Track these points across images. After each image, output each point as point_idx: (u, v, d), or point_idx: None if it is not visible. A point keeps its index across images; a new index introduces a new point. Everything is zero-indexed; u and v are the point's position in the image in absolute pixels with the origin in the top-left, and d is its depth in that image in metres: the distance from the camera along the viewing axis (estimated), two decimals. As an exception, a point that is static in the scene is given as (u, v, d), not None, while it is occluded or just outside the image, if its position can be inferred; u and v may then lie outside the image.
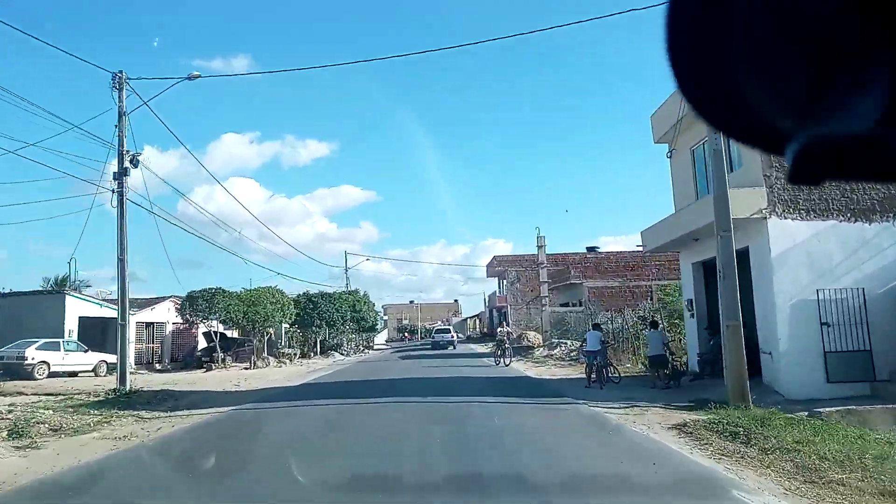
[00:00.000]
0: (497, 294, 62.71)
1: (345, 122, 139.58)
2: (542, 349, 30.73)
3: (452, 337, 57.68)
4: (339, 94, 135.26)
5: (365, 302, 51.36)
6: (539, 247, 33.65)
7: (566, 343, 29.82)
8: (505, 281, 62.75)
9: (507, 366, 26.67)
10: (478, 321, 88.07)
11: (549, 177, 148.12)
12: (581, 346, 18.79)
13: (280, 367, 34.00)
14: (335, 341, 46.65)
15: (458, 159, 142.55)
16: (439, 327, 68.33)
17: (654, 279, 33.85)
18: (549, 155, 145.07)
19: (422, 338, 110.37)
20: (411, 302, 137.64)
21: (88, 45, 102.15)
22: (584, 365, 18.32)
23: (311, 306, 43.33)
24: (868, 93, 0.66)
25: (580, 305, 35.22)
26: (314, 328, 43.36)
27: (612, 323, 30.53)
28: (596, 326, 19.78)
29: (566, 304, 37.88)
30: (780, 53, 0.72)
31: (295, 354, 37.70)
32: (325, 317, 43.29)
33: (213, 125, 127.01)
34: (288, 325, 45.06)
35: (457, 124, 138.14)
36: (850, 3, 0.66)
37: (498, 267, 60.85)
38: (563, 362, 26.43)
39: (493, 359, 26.78)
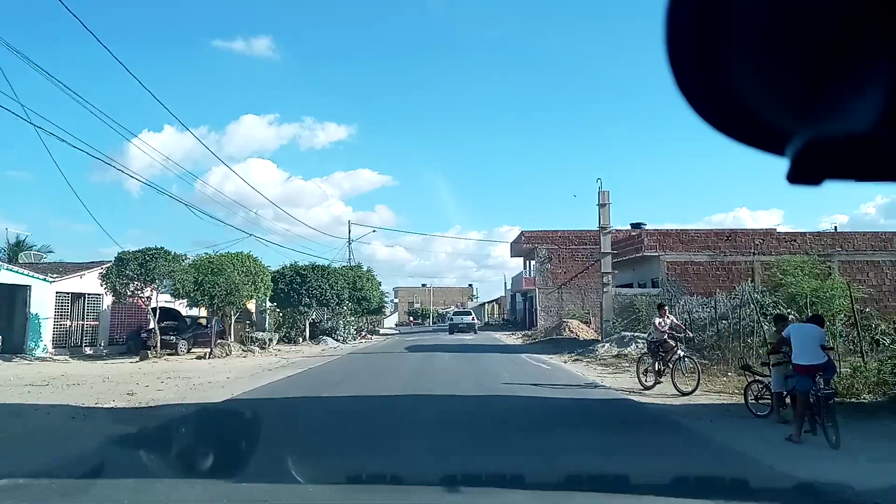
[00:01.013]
0: (523, 276, 53.66)
1: (364, 106, 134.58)
2: (603, 345, 21.68)
3: (473, 320, 48.91)
4: (360, 77, 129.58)
5: (368, 279, 42.55)
6: (601, 205, 24.43)
7: (641, 337, 20.81)
8: (533, 261, 53.68)
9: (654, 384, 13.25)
10: (496, 307, 79.11)
11: (573, 163, 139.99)
12: (782, 351, 8.77)
13: (245, 356, 25.33)
14: (330, 324, 37.97)
15: (474, 146, 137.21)
16: (458, 310, 60.05)
17: (758, 252, 24.60)
18: (571, 142, 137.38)
19: (434, 322, 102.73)
20: (423, 285, 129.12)
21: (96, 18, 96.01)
22: (771, 393, 9.24)
23: (299, 280, 34.62)
24: (867, 93, 0.66)
25: (653, 286, 26.09)
26: (302, 307, 34.67)
27: (706, 309, 21.48)
28: (781, 318, 10.50)
29: (627, 286, 28.67)
30: (779, 54, 0.71)
31: (271, 340, 28.93)
32: (315, 294, 34.55)
33: (232, 105, 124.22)
34: (270, 303, 36.38)
35: (475, 112, 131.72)
36: (850, 4, 0.66)
37: (526, 244, 51.79)
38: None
39: (646, 372, 13.36)
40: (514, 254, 59.01)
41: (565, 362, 20.42)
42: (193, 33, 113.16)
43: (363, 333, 45.18)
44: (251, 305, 36.73)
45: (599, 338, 31.06)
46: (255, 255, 28.96)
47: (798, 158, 0.70)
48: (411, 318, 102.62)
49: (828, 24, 0.67)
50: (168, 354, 25.68)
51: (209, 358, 24.54)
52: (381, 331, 65.10)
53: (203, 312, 30.64)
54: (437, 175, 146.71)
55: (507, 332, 46.84)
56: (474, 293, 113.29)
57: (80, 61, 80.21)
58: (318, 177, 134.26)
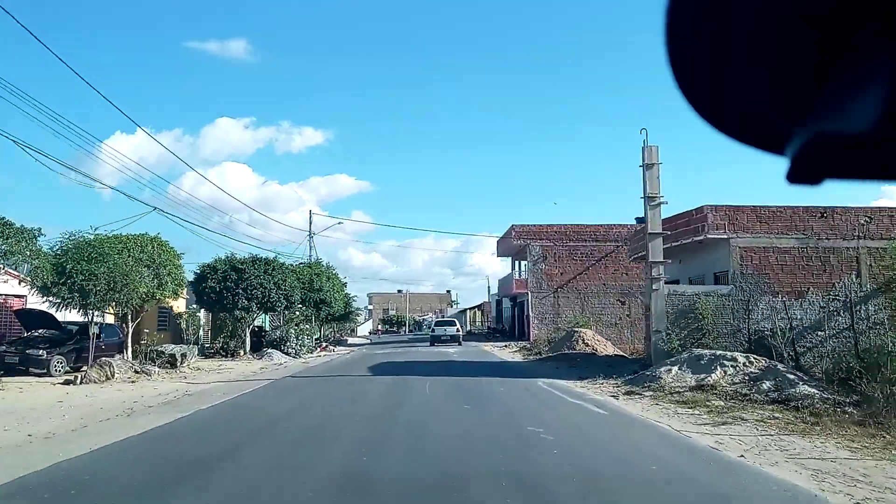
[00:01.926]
0: (513, 277, 46.13)
1: (343, 111, 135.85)
2: (667, 370, 13.95)
3: (458, 331, 41.46)
4: (337, 82, 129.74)
5: (329, 277, 34.66)
6: (647, 166, 16.68)
7: (736, 361, 13.22)
8: (524, 261, 46.29)
9: None
10: (479, 313, 71.52)
11: (548, 170, 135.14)
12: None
13: (133, 381, 17.31)
14: (279, 334, 30.03)
15: (454, 153, 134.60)
16: (440, 319, 52.40)
17: (864, 236, 17.31)
18: (545, 149, 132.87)
19: (410, 331, 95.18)
20: (399, 291, 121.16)
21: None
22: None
23: (235, 277, 26.67)
24: (867, 93, 0.66)
25: (716, 282, 18.57)
26: (238, 311, 26.72)
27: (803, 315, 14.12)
28: None
29: (672, 282, 21.11)
30: (779, 53, 0.71)
31: (184, 356, 20.86)
32: (255, 294, 26.64)
33: (208, 108, 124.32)
34: (198, 305, 28.38)
35: (454, 116, 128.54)
36: (850, 4, 0.66)
37: (516, 241, 44.40)
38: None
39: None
40: (501, 253, 51.57)
41: (616, 397, 12.84)
42: (167, 34, 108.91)
43: (324, 345, 37.26)
44: (179, 307, 28.70)
45: (635, 354, 23.72)
46: (166, 240, 21.05)
47: (798, 158, 0.69)
48: (379, 327, 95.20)
49: (828, 24, 0.66)
50: (39, 375, 17.79)
51: (80, 383, 16.61)
52: (351, 340, 57.14)
53: (109, 317, 22.62)
54: (415, 182, 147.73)
55: (497, 344, 39.20)
56: (453, 299, 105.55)
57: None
58: (295, 181, 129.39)
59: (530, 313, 43.61)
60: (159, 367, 20.12)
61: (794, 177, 0.71)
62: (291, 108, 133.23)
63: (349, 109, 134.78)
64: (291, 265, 32.90)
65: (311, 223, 42.23)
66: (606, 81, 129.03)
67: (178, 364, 20.56)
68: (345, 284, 38.83)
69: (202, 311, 29.89)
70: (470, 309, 73.34)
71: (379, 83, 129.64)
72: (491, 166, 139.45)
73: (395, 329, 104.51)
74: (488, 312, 65.54)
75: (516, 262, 50.23)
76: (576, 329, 26.56)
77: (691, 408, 11.29)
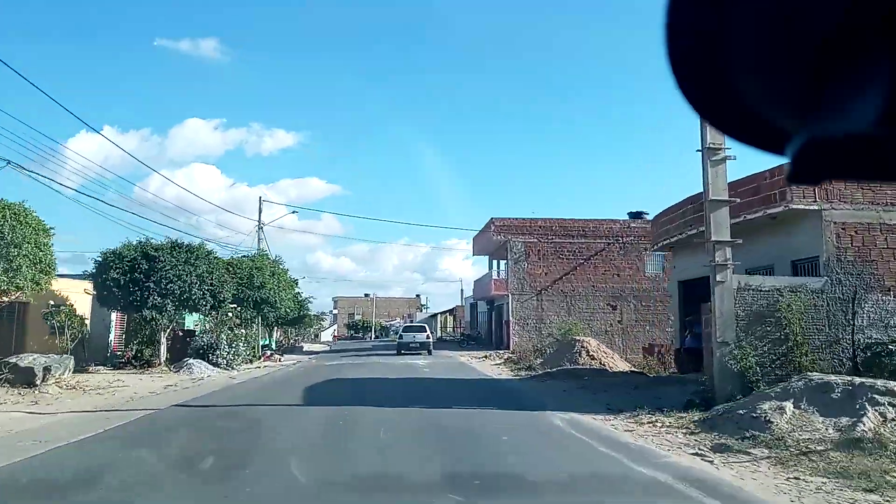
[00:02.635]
0: (491, 278, 40.70)
1: (314, 113, 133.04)
2: (779, 410, 8.54)
3: (428, 338, 35.72)
4: (310, 83, 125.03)
5: (274, 273, 28.77)
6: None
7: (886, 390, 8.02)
8: (505, 260, 40.95)
9: None
10: (450, 318, 65.96)
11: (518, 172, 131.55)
12: None
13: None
14: (208, 339, 24.03)
15: (426, 157, 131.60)
16: (409, 325, 46.89)
17: None
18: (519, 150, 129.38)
19: (377, 336, 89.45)
20: (366, 295, 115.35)
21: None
22: None
23: (146, 267, 20.70)
24: (868, 92, 0.66)
25: (794, 273, 13.22)
26: (148, 310, 20.74)
27: None
28: None
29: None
30: (779, 53, 0.71)
31: (48, 370, 14.84)
32: (171, 289, 20.70)
33: (178, 108, 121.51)
34: (99, 301, 22.35)
35: (431, 120, 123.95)
36: (850, 4, 0.66)
37: (496, 236, 39.04)
38: None
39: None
40: (478, 251, 46.15)
41: (707, 459, 7.36)
42: (138, 32, 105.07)
43: (269, 353, 31.30)
44: (82, 304, 22.53)
45: (647, 370, 18.42)
46: (27, 208, 15.14)
47: (798, 158, 0.69)
48: (335, 334, 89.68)
49: (828, 24, 0.66)
50: None
51: None
52: (308, 347, 51.11)
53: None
54: (386, 186, 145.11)
55: (474, 354, 33.66)
56: (423, 303, 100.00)
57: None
58: (264, 183, 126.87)
59: (510, 318, 38.26)
60: (10, 384, 14.17)
61: (795, 177, 0.70)
62: (262, 110, 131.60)
63: (322, 112, 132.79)
64: (228, 259, 26.97)
65: (260, 211, 36.33)
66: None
67: (40, 381, 14.58)
68: (296, 282, 32.96)
69: (114, 310, 23.79)
70: (441, 314, 67.74)
71: (352, 85, 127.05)
72: (469, 166, 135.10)
73: (360, 335, 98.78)
74: (461, 318, 60.05)
75: (494, 262, 44.92)
76: (576, 338, 21.22)
77: (870, 489, 5.96)
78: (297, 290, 33.89)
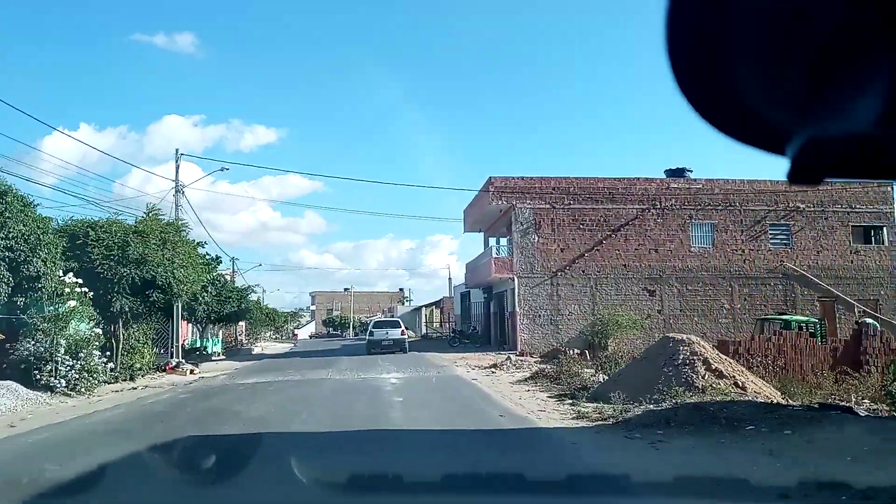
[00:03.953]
0: (491, 256, 30.92)
1: (295, 110, 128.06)
2: None
3: (402, 335, 29.91)
4: (290, 79, 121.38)
5: (173, 245, 18.87)
6: None
7: None
8: (507, 237, 31.40)
9: None
10: (437, 312, 56.26)
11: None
12: None
13: None
14: (34, 347, 14.35)
15: (406, 151, 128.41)
16: (381, 319, 38.89)
17: None
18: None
19: (357, 334, 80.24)
20: (346, 289, 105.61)
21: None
22: None
23: None
24: (868, 92, 0.66)
25: None
26: None
27: None
28: None
29: None
30: (779, 53, 0.70)
31: None
32: None
33: (156, 104, 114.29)
34: None
35: (404, 115, 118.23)
36: (850, 4, 0.66)
37: (495, 201, 29.45)
38: None
39: None
40: (471, 225, 36.44)
41: None
42: (113, 26, 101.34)
43: (174, 363, 21.50)
44: None
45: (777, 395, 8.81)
46: None
47: (798, 158, 0.68)
48: (313, 332, 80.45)
49: (828, 25, 0.65)
50: None
51: None
52: (262, 348, 41.31)
53: None
54: (368, 183, 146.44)
55: (472, 357, 23.90)
56: (407, 295, 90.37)
57: None
58: (246, 181, 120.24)
59: (517, 309, 28.69)
60: None
61: (796, 177, 0.69)
62: (242, 106, 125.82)
63: (303, 107, 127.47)
64: (88, 220, 17.14)
65: (177, 169, 26.33)
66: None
67: None
68: (214, 260, 23.03)
69: None
70: (426, 307, 57.95)
71: (333, 81, 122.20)
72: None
73: (339, 332, 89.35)
74: (450, 311, 50.31)
75: (492, 241, 35.38)
76: (675, 338, 11.50)
77: None
78: (217, 272, 24.00)
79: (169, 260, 17.73)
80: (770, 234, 30.59)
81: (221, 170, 27.48)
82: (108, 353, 16.65)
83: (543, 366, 15.92)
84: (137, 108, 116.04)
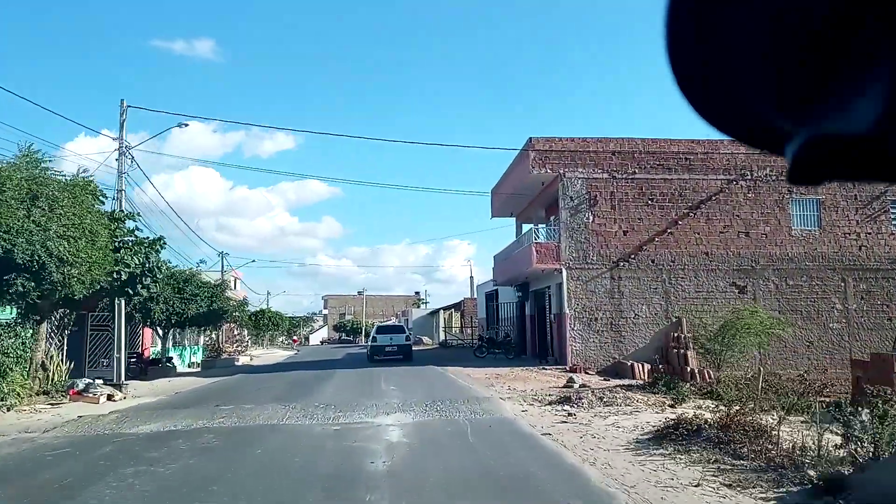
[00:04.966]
0: (532, 241, 23.70)
1: (314, 115, 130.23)
2: None
3: (407, 341, 28.54)
4: (310, 85, 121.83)
5: (57, 203, 12.33)
6: None
7: None
8: (558, 213, 24.35)
9: None
10: (456, 315, 49.17)
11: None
12: None
13: None
14: None
15: (424, 158, 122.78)
16: (384, 324, 35.37)
17: None
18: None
19: (368, 339, 73.77)
20: (359, 293, 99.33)
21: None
22: None
23: None
24: (868, 92, 0.65)
25: None
26: None
27: None
28: None
29: None
30: (779, 53, 0.70)
31: None
32: None
33: (179, 110, 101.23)
34: None
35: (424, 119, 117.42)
36: (850, 3, 0.66)
37: (538, 169, 22.46)
38: None
39: None
40: (499, 209, 29.44)
41: None
42: (133, 32, 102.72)
43: (82, 387, 14.82)
44: None
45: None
46: None
47: (798, 158, 0.68)
48: (324, 337, 74.62)
49: (828, 24, 0.65)
50: None
51: None
52: (247, 359, 34.65)
53: None
54: (385, 188, 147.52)
55: (505, 374, 16.89)
56: (424, 297, 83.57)
57: None
58: (264, 186, 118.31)
59: (566, 309, 21.63)
60: None
61: (795, 178, 0.69)
62: (262, 113, 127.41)
63: (322, 114, 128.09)
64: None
65: (122, 125, 19.72)
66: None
67: None
68: (157, 241, 16.28)
69: None
70: (444, 309, 50.84)
71: (352, 88, 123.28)
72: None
73: (350, 338, 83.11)
74: (472, 314, 43.20)
75: (524, 227, 28.40)
76: None
77: None
78: (162, 260, 17.23)
79: (40, 226, 10.95)
80: (893, 213, 23.27)
81: (179, 125, 20.76)
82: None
83: (670, 408, 8.79)
84: (160, 114, 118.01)
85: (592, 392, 11.37)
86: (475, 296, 42.54)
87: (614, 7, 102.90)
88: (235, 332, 38.24)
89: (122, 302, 19.98)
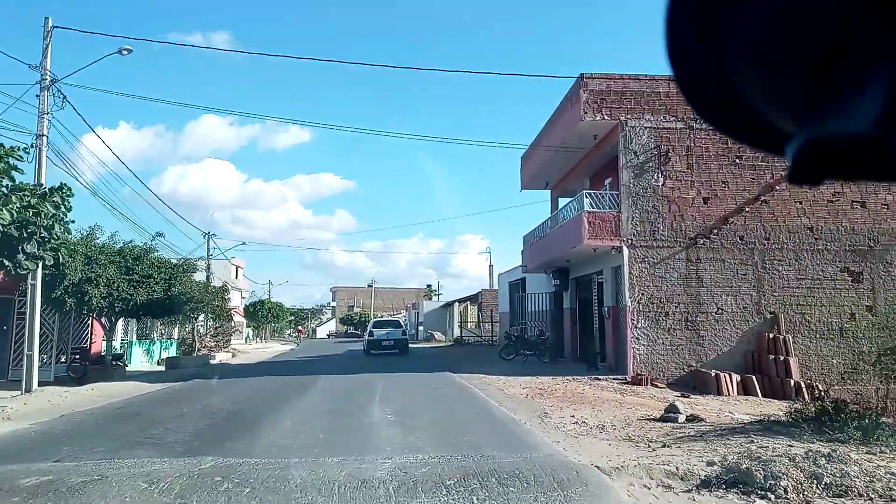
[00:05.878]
0: (585, 210, 18.23)
1: (327, 109, 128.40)
2: None
3: (404, 335, 28.24)
4: (324, 78, 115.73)
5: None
6: None
7: None
8: (618, 175, 18.94)
9: None
10: (473, 309, 43.65)
11: None
12: None
13: None
14: None
15: (438, 155, 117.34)
16: (381, 319, 35.91)
17: None
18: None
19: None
20: (369, 285, 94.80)
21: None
22: None
23: None
24: (868, 92, 0.65)
25: None
26: None
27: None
28: None
29: None
30: (779, 53, 0.70)
31: None
32: None
33: (195, 103, 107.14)
34: None
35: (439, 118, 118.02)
36: (850, 4, 0.66)
37: (591, 115, 17.09)
38: None
39: None
40: (530, 179, 23.96)
41: None
42: (147, 24, 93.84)
43: None
44: None
45: None
46: None
47: (798, 159, 0.67)
48: (331, 331, 70.53)
49: (828, 23, 0.65)
50: None
51: None
52: (229, 355, 29.56)
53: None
54: (399, 181, 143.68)
55: (548, 386, 11.59)
56: (437, 289, 78.44)
57: None
58: (279, 179, 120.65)
59: (627, 302, 16.20)
60: None
61: (795, 178, 0.69)
62: (277, 106, 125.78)
63: (337, 107, 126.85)
64: None
65: (46, 49, 14.66)
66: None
67: None
68: (56, 192, 11.19)
69: None
70: (459, 302, 45.35)
71: (368, 79, 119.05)
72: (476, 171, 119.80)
73: (358, 331, 78.29)
74: (492, 307, 37.66)
75: (556, 198, 22.95)
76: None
77: None
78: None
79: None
80: None
81: (120, 52, 15.62)
82: None
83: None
84: (176, 108, 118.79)
85: (729, 434, 5.89)
86: (496, 286, 37.06)
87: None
88: (225, 324, 33.09)
89: (39, 281, 14.91)
